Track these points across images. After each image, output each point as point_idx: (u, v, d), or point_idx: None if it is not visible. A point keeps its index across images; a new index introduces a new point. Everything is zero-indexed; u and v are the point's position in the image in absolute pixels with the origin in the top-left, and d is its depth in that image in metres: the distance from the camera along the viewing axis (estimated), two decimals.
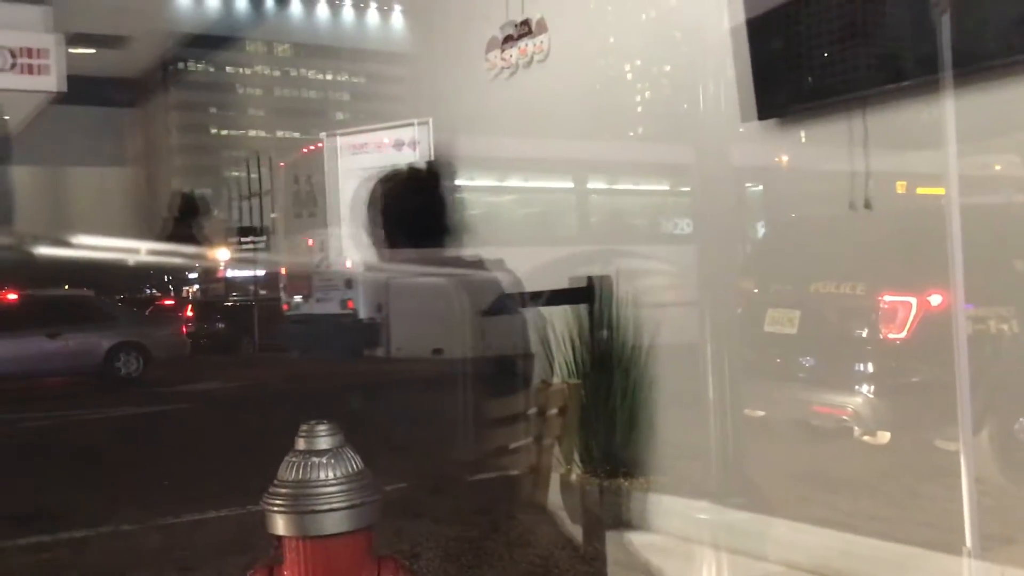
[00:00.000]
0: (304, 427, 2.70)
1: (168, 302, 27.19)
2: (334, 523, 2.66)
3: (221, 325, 21.46)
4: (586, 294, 3.13)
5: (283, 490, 2.65)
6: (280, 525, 2.66)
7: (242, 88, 67.63)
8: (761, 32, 3.47)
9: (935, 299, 5.61)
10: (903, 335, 5.83)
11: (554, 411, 2.62)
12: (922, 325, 5.70)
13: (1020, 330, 5.65)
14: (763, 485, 4.79)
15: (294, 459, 2.68)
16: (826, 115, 3.58)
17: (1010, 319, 5.68)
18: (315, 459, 2.68)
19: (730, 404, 5.03)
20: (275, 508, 2.65)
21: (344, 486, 2.66)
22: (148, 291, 31.34)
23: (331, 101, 66.86)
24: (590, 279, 3.13)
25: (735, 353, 5.37)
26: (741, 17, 3.70)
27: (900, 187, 6.22)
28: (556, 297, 3.48)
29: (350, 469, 2.71)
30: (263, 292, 23.92)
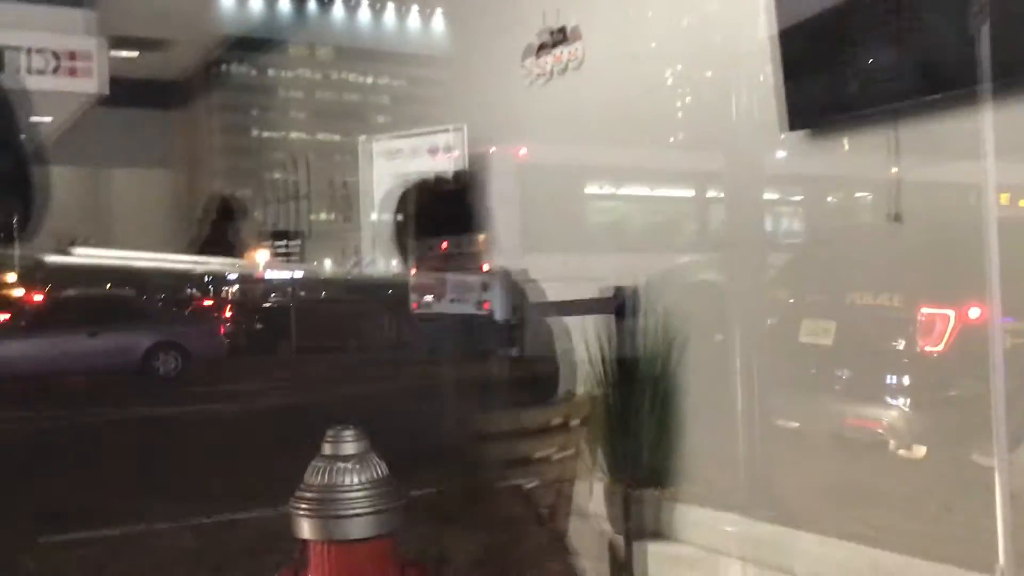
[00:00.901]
0: (330, 432, 2.73)
1: (207, 302, 27.42)
2: (358, 528, 2.69)
3: (259, 326, 21.59)
4: (614, 304, 3.12)
5: (309, 494, 2.68)
6: (305, 529, 2.69)
7: (284, 91, 68.13)
8: (792, 42, 3.45)
9: (974, 312, 5.53)
10: (941, 348, 5.75)
11: (578, 422, 2.63)
12: (960, 338, 5.62)
13: None
14: (794, 498, 4.75)
15: (320, 464, 2.70)
16: (858, 126, 3.55)
17: None
18: (341, 464, 2.70)
19: (761, 415, 5.00)
20: (301, 512, 2.68)
21: (369, 491, 2.68)
22: (189, 291, 31.66)
23: (371, 104, 67.17)
24: (618, 289, 3.12)
25: (767, 364, 5.33)
26: (776, 27, 3.68)
27: (1004, 199, 6.09)
28: (583, 307, 3.47)
29: (375, 475, 2.73)
30: (302, 293, 24.07)
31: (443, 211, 2.69)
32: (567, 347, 3.17)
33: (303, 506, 2.66)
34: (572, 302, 3.48)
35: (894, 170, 3.46)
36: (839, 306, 6.29)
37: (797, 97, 3.39)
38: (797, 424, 6.12)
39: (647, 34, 6.20)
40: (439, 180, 2.64)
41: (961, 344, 5.57)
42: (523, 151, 7.31)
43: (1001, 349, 3.98)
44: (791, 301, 6.69)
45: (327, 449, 2.72)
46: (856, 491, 5.34)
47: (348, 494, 2.65)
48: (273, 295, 26.98)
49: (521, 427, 2.63)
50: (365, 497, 2.66)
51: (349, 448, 2.72)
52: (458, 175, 2.56)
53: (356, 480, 2.67)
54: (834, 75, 3.33)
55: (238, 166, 59.74)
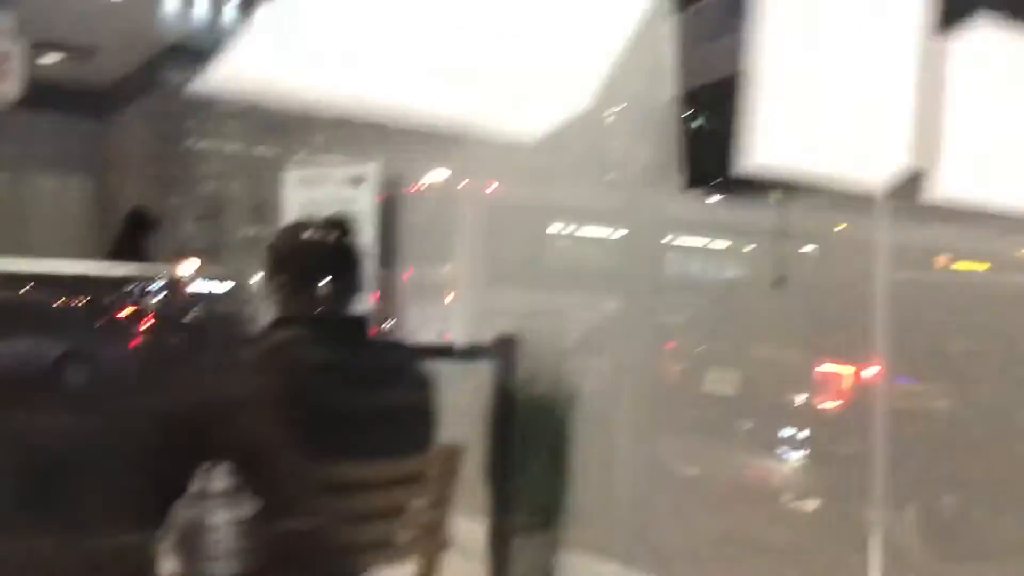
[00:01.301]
0: (201, 468, 2.69)
1: (124, 313, 26.88)
2: (222, 567, 2.65)
3: (175, 340, 21.19)
4: (495, 350, 3.13)
5: (173, 530, 2.63)
6: (167, 567, 2.64)
7: (223, 102, 67.33)
8: (690, 104, 3.53)
9: (869, 372, 5.68)
10: (836, 405, 5.90)
11: (447, 471, 2.63)
12: (856, 397, 5.76)
13: (950, 408, 5.73)
14: (679, 548, 4.80)
15: (187, 500, 2.66)
16: (747, 191, 3.63)
17: (942, 397, 5.77)
18: (208, 501, 2.66)
19: (659, 462, 5.04)
20: (164, 548, 2.63)
21: (235, 530, 2.64)
22: (106, 301, 31.05)
23: (313, 123, 66.60)
24: (501, 334, 3.13)
25: (669, 410, 5.39)
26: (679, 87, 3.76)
27: (940, 261, 6.21)
28: (460, 353, 3.47)
29: (243, 513, 2.69)
30: (226, 310, 23.66)
31: (317, 262, 2.60)
32: (451, 391, 3.16)
33: (165, 543, 2.62)
34: (449, 347, 3.49)
35: (781, 234, 3.55)
36: (743, 358, 6.42)
37: (692, 158, 3.47)
38: (697, 471, 6.21)
39: None
40: (317, 225, 2.57)
41: (856, 402, 5.71)
42: (494, 186, 7.31)
43: (886, 408, 4.09)
44: (697, 350, 6.80)
45: (195, 486, 2.68)
46: (745, 542, 5.42)
47: (212, 532, 2.62)
48: (195, 309, 26.49)
49: (388, 476, 2.61)
50: (230, 535, 2.63)
51: (218, 484, 2.69)
52: (343, 221, 2.47)
53: (221, 518, 2.64)
54: (725, 142, 3.41)
55: (170, 176, 58.73)
